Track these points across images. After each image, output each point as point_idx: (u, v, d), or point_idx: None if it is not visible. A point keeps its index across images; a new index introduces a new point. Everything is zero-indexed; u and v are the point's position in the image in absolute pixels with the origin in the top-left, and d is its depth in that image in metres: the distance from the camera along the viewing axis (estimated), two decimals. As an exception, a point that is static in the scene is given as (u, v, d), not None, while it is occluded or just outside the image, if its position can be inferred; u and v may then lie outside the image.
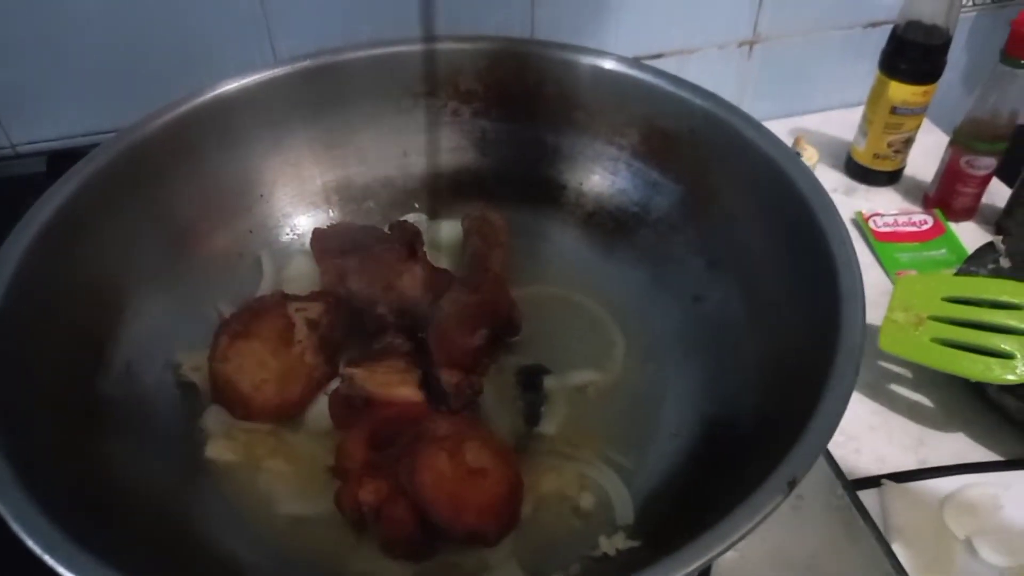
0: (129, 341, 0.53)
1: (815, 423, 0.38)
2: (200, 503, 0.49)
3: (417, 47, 0.65)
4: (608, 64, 0.62)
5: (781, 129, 1.01)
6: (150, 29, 0.82)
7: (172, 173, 0.58)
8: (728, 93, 0.98)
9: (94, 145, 0.85)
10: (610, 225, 0.66)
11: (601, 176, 0.66)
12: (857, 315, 0.42)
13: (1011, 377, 0.62)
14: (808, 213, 0.48)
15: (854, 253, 0.45)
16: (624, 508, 0.51)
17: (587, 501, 0.51)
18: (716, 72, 0.97)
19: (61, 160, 0.78)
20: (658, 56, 0.94)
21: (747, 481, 0.38)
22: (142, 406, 0.52)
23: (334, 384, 0.54)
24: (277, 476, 0.50)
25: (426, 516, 0.45)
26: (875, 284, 0.80)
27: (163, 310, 0.56)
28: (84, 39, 0.81)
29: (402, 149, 0.68)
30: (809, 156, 0.65)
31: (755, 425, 0.48)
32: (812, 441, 0.37)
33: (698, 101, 0.58)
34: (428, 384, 0.52)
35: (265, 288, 0.62)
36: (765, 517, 0.35)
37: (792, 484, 0.36)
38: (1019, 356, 0.63)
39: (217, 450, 0.51)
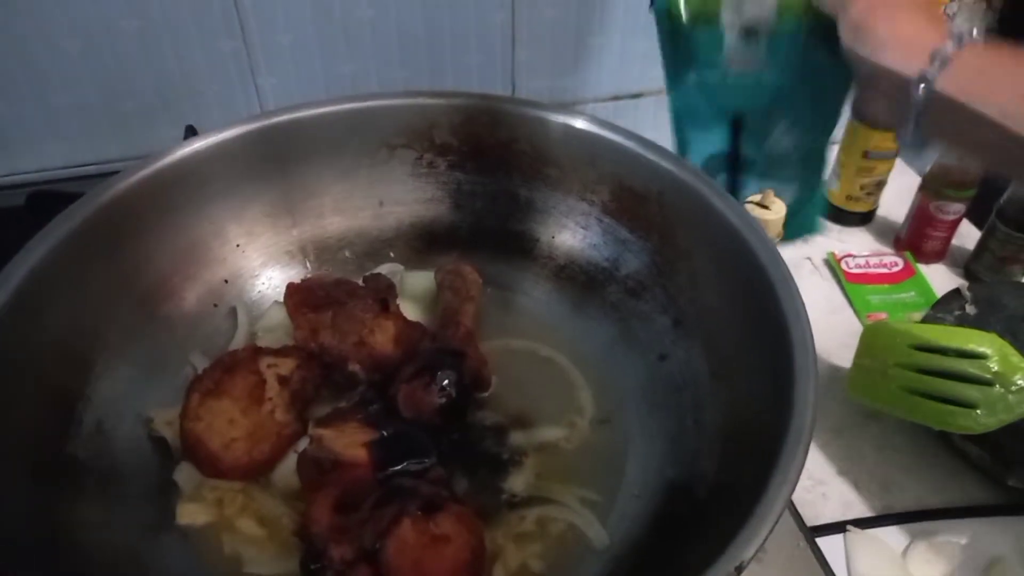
0: (100, 398, 0.54)
1: (760, 507, 0.38)
2: (167, 564, 0.50)
3: (393, 101, 0.65)
4: (579, 123, 0.63)
5: (758, 167, 1.02)
6: (132, 66, 0.83)
7: (147, 228, 0.59)
8: (706, 132, 1.00)
9: (75, 179, 0.86)
10: (581, 279, 0.67)
11: (572, 231, 0.67)
12: (807, 396, 0.42)
13: (973, 426, 0.63)
14: (767, 285, 0.49)
15: (809, 329, 0.46)
16: (598, 534, 0.52)
17: (558, 527, 0.53)
18: (694, 112, 0.98)
19: (40, 198, 0.79)
20: (637, 95, 0.95)
21: (699, 555, 0.39)
22: (113, 464, 0.52)
23: (304, 441, 0.54)
24: (245, 537, 0.51)
25: None
26: (846, 325, 0.82)
27: (135, 365, 0.57)
28: (66, 74, 0.82)
29: (377, 199, 0.69)
30: (777, 209, 0.66)
31: (711, 492, 0.48)
32: (756, 525, 0.38)
33: (665, 164, 0.59)
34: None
35: (240, 339, 0.62)
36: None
37: (739, 569, 0.37)
38: (981, 406, 0.64)
39: (188, 515, 0.51)
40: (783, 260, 0.50)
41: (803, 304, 0.47)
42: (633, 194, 0.62)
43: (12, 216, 0.77)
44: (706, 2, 0.65)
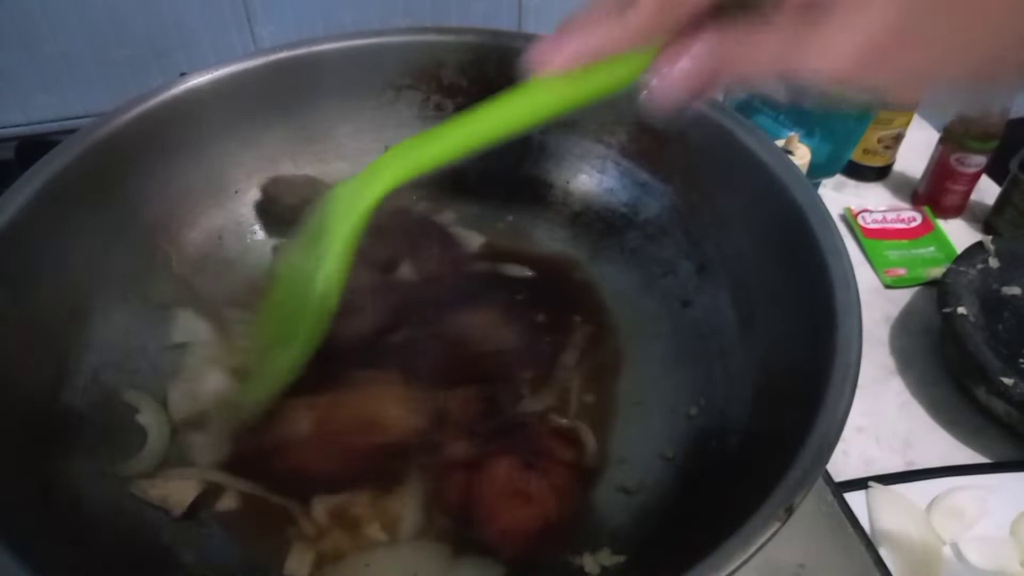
0: (96, 348, 0.51)
1: (810, 445, 0.36)
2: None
3: (399, 38, 0.62)
4: (597, 59, 0.60)
5: (771, 122, 1.00)
6: (125, 14, 0.80)
7: (142, 169, 0.55)
8: (718, 86, 0.98)
9: (65, 132, 0.83)
10: (598, 226, 0.64)
11: (588, 175, 0.64)
12: (853, 332, 0.40)
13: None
14: (802, 222, 0.46)
15: (850, 266, 0.43)
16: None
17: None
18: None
19: (30, 148, 0.76)
20: (647, 47, 0.92)
21: (737, 503, 0.36)
22: (109, 416, 0.50)
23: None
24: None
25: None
26: (864, 282, 0.79)
27: (132, 314, 0.54)
28: (56, 23, 0.79)
29: (383, 144, 0.65)
30: (801, 155, 0.64)
31: (745, 442, 0.46)
32: (807, 466, 0.36)
33: (690, 100, 0.56)
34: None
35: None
36: (761, 547, 0.34)
37: (789, 511, 0.34)
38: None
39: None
40: (818, 195, 0.47)
41: (842, 240, 0.45)
42: (653, 134, 0.59)
43: (2, 168, 0.74)
44: None
